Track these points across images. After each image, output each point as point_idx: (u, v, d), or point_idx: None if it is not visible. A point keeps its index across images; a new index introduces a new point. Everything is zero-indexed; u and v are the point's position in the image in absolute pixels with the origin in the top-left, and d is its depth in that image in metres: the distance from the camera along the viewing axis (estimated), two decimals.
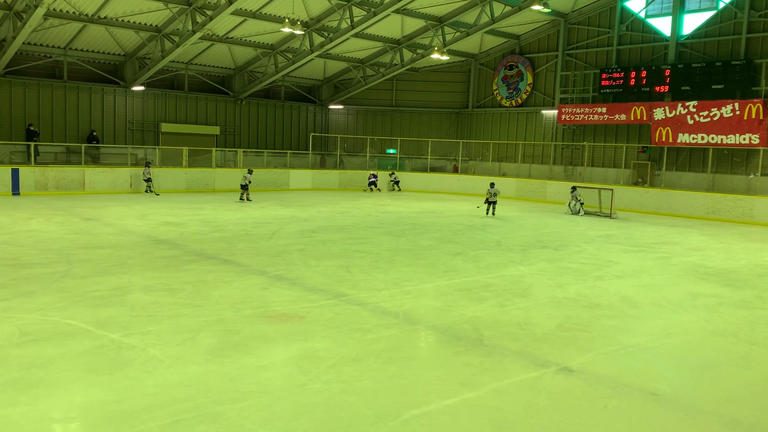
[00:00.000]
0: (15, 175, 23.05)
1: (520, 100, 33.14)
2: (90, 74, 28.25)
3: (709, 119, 25.52)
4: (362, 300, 9.30)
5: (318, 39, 28.26)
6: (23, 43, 24.36)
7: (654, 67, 27.10)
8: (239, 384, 5.98)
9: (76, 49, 27.20)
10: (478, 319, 8.53)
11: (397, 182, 31.57)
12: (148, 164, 25.49)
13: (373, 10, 25.49)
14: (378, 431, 5.17)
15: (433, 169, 33.98)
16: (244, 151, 31.39)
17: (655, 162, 27.88)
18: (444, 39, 29.61)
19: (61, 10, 23.39)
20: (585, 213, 23.18)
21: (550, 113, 31.84)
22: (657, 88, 26.95)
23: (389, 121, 36.42)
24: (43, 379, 5.95)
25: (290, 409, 5.49)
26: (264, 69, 31.11)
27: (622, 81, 28.04)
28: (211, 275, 10.62)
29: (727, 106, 24.99)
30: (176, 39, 25.72)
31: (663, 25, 27.58)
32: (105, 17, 24.65)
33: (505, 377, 6.45)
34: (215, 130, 32.18)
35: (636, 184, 27.83)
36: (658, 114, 26.98)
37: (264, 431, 5.09)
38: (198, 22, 24.27)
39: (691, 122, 26.04)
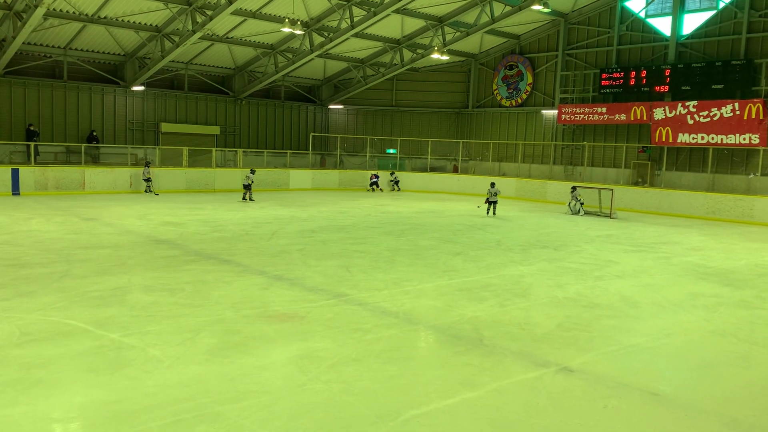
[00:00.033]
0: (15, 175, 23.05)
1: (520, 100, 33.13)
2: (90, 74, 28.25)
3: (709, 119, 25.52)
4: (362, 300, 9.30)
5: (318, 39, 28.25)
6: (23, 43, 24.36)
7: (654, 67, 27.10)
8: (239, 384, 5.98)
9: (76, 49, 27.20)
10: (478, 319, 8.53)
11: (397, 182, 31.56)
12: (147, 164, 25.49)
13: (373, 10, 25.49)
14: (378, 431, 5.17)
15: (433, 169, 33.96)
16: (244, 151, 31.38)
17: (655, 162, 27.88)
18: (444, 39, 29.60)
19: (61, 10, 23.38)
20: (585, 213, 23.17)
21: (550, 113, 31.83)
22: (657, 88, 26.95)
23: (389, 121, 36.42)
24: (43, 379, 5.95)
25: (290, 409, 5.49)
26: (264, 69, 31.11)
27: (622, 81, 28.03)
28: (211, 275, 10.62)
29: (727, 106, 24.98)
30: (176, 39, 25.72)
31: (663, 25, 27.58)
32: (105, 17, 24.65)
33: (505, 377, 6.45)
34: (215, 130, 32.19)
35: (636, 184, 27.83)
36: (658, 114, 26.97)
37: (264, 431, 5.09)
38: (198, 22, 24.28)
39: (691, 122, 26.04)
